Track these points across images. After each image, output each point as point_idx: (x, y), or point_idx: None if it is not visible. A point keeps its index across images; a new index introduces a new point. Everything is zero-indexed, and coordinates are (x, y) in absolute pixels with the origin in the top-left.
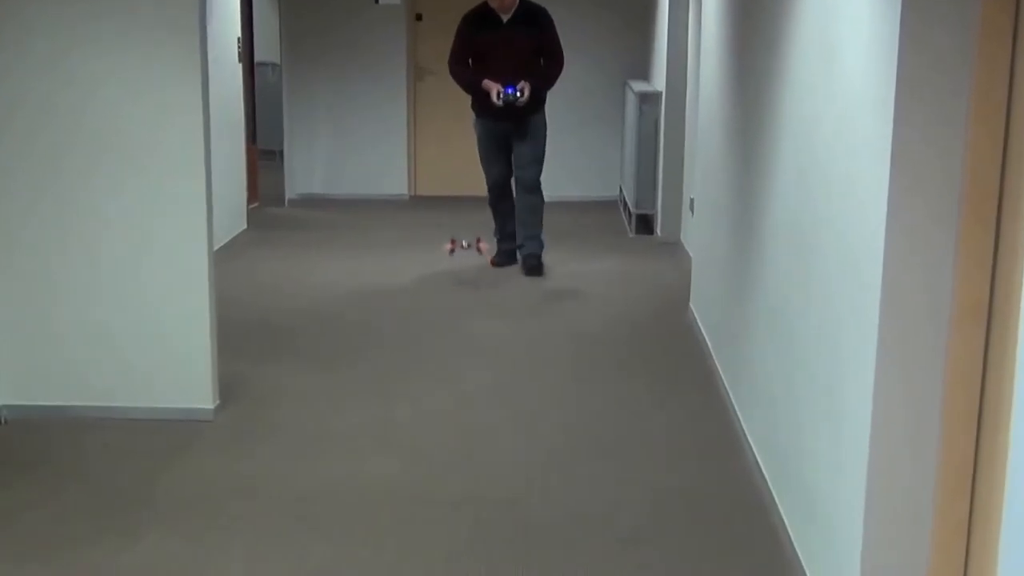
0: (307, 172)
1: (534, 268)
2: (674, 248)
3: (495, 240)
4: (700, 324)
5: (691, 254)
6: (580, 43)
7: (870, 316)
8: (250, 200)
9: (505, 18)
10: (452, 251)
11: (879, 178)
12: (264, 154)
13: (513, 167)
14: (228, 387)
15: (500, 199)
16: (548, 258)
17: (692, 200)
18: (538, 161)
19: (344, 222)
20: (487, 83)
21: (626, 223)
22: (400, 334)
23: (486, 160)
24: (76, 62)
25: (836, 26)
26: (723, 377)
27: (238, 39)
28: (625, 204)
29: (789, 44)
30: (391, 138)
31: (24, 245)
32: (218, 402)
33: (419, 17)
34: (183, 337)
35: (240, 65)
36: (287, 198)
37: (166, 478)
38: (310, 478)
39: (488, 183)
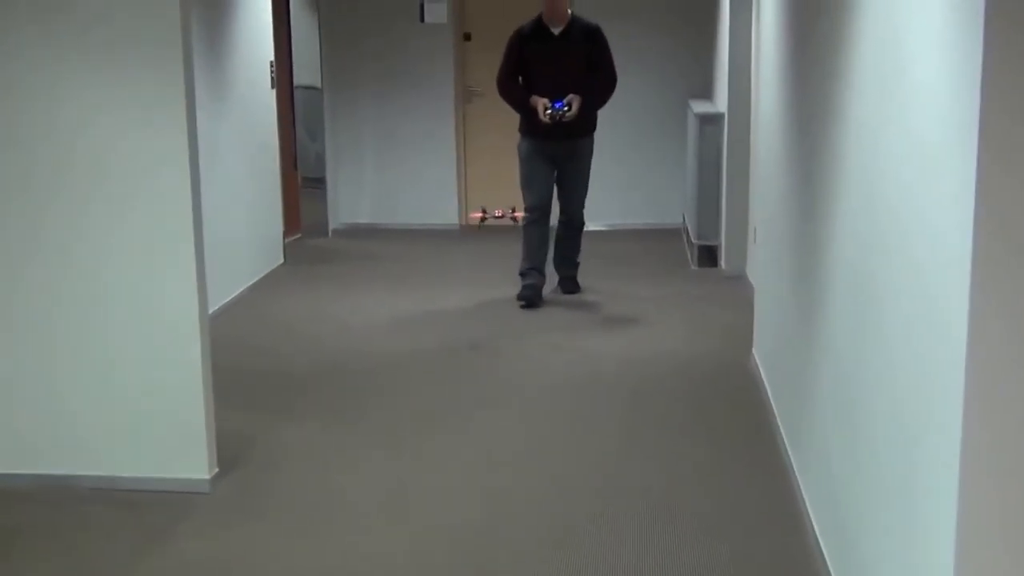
0: (352, 200)
1: (572, 287)
2: (739, 283)
3: (519, 276)
4: (762, 374)
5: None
6: (641, 59)
7: (952, 405)
8: (291, 231)
9: (556, 32)
10: (483, 220)
11: (960, 229)
12: (310, 182)
13: (557, 195)
14: (232, 450)
15: (537, 224)
16: (601, 293)
17: (755, 230)
18: (584, 189)
19: (387, 254)
20: (534, 99)
21: (688, 254)
22: (430, 383)
23: (528, 179)
24: (47, 105)
25: (906, 37)
26: (785, 440)
27: (270, 63)
28: (688, 233)
29: (851, 56)
30: (440, 163)
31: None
32: (216, 471)
33: (467, 36)
34: (176, 402)
35: (274, 91)
36: (331, 228)
37: (145, 562)
38: (305, 564)
39: (527, 204)
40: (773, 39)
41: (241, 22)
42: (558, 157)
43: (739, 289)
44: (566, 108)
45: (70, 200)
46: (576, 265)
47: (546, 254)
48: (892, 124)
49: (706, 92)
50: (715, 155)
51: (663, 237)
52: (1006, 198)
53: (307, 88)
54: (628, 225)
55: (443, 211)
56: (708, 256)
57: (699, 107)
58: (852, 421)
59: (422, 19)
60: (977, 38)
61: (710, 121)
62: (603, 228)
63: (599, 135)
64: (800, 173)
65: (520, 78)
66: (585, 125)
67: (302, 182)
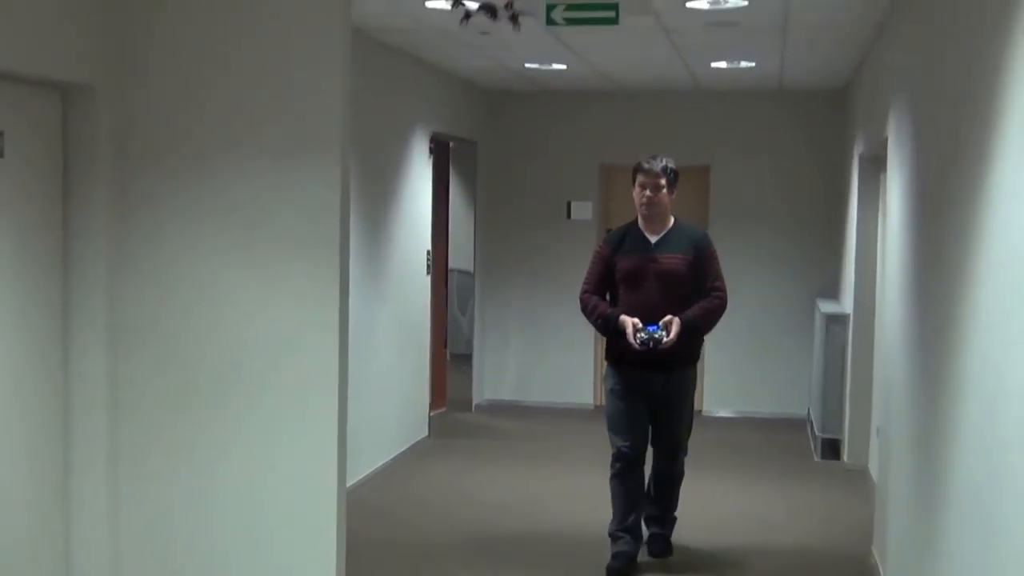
0: (496, 377)
1: (662, 547)
2: (861, 477)
3: (608, 539)
4: (881, 571)
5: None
6: (772, 258)
7: None
8: (437, 405)
9: (654, 240)
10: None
11: None
12: (458, 358)
13: (652, 438)
14: None
15: (628, 474)
16: (722, 482)
17: (877, 428)
18: (686, 431)
19: (524, 432)
20: (623, 319)
21: (812, 446)
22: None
23: (616, 422)
24: (207, 285)
25: None
26: None
27: (427, 252)
28: (812, 425)
29: (975, 279)
30: (579, 347)
31: (144, 477)
32: None
33: (610, 232)
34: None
35: (429, 277)
36: (475, 404)
37: None
38: None
39: (616, 452)
40: (897, 249)
41: (404, 216)
42: (652, 392)
43: (860, 483)
44: (662, 332)
45: (234, 396)
46: (672, 521)
47: (641, 513)
48: (1016, 355)
49: (835, 291)
50: (840, 353)
51: (787, 427)
52: None
53: (461, 272)
54: (754, 413)
55: (579, 391)
56: (831, 449)
57: (826, 306)
58: None
59: (568, 215)
60: None
61: (836, 321)
62: (730, 415)
63: (729, 330)
64: (920, 387)
65: (608, 294)
66: (686, 354)
67: (451, 359)
